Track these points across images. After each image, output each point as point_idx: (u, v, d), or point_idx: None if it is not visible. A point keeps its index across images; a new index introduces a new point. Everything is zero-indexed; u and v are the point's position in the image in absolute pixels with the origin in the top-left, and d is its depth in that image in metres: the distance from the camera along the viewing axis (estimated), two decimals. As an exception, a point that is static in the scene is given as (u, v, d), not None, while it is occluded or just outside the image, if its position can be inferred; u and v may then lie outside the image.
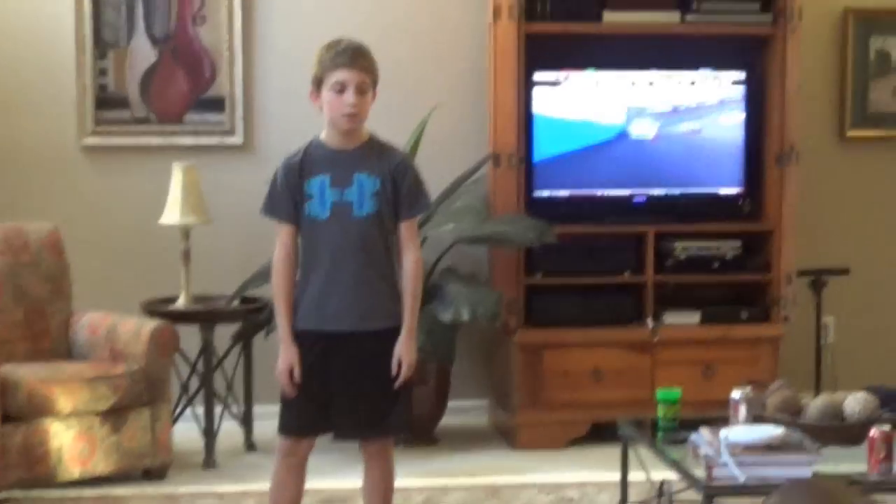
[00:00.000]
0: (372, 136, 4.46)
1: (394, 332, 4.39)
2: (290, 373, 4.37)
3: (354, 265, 4.33)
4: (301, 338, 4.41)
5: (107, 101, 6.76)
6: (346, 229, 4.33)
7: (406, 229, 4.41)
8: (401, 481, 5.70)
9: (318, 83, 4.38)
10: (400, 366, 4.36)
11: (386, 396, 4.39)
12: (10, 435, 5.39)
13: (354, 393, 4.38)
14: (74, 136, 6.75)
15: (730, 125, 6.57)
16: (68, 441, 5.53)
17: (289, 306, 4.40)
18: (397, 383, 4.37)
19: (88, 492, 5.62)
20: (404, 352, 4.38)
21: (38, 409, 5.46)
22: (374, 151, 4.42)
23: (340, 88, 4.33)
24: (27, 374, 5.56)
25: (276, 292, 4.44)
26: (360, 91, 4.36)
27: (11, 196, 6.69)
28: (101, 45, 6.73)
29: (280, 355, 4.43)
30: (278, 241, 4.43)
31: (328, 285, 4.35)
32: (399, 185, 4.36)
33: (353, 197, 4.32)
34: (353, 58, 4.35)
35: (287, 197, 4.38)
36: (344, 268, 4.33)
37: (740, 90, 6.55)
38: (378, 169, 4.36)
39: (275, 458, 4.50)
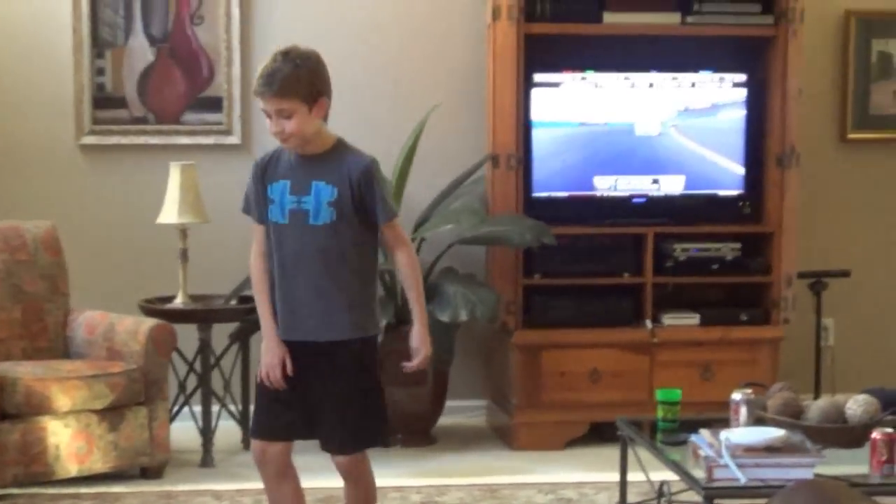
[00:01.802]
0: (338, 141, 4.35)
1: (353, 344, 4.28)
2: (283, 367, 4.30)
3: (311, 274, 4.23)
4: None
5: (104, 101, 6.75)
6: (303, 237, 4.24)
7: (388, 233, 4.32)
8: (399, 481, 5.74)
9: None
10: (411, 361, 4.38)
11: (346, 413, 4.28)
12: (7, 432, 5.38)
13: (317, 407, 4.29)
14: (72, 135, 6.73)
15: (730, 127, 6.55)
16: (66, 439, 5.52)
17: (268, 302, 4.32)
18: (409, 367, 4.38)
19: (86, 489, 5.61)
20: (420, 342, 4.37)
21: (36, 407, 5.44)
22: (336, 159, 4.30)
23: (267, 115, 4.24)
24: (25, 372, 5.55)
25: (255, 289, 4.39)
26: (282, 117, 4.20)
27: (9, 194, 6.67)
28: (99, 45, 6.72)
29: (265, 352, 4.30)
30: (254, 239, 4.41)
31: (287, 292, 4.27)
32: (365, 193, 4.24)
33: (310, 206, 4.22)
34: (265, 86, 4.17)
35: (256, 197, 4.35)
36: (301, 276, 4.25)
37: (741, 92, 6.54)
38: (337, 177, 4.24)
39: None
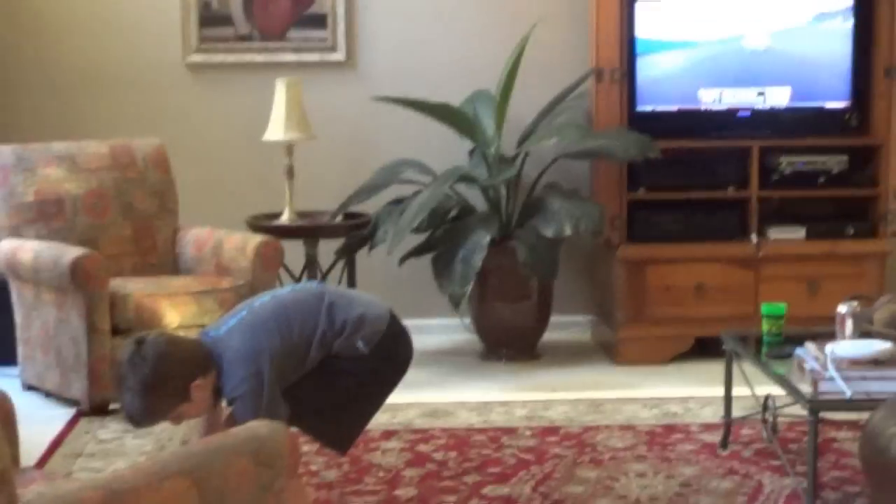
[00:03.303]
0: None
1: None
2: None
3: None
4: None
5: (210, 19, 6.80)
6: None
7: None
8: (503, 395, 5.79)
9: None
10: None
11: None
12: (119, 347, 5.46)
13: None
14: (179, 53, 6.80)
15: (837, 37, 6.45)
16: (176, 354, 5.61)
17: None
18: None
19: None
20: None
21: (147, 323, 5.53)
22: None
23: None
24: (135, 287, 5.65)
25: None
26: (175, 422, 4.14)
27: (118, 113, 6.77)
28: (205, -37, 6.76)
29: None
30: None
31: None
32: None
33: None
34: (128, 422, 4.05)
35: None
36: None
37: (848, 1, 6.43)
38: None
39: None
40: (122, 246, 6.04)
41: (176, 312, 5.60)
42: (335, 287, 4.72)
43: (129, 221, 6.09)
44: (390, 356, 4.35)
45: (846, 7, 6.43)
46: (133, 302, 5.56)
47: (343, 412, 4.35)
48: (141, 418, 3.99)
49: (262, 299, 4.28)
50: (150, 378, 3.90)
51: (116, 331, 5.52)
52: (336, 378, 4.27)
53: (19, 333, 5.92)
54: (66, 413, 5.60)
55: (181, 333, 5.55)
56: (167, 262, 6.14)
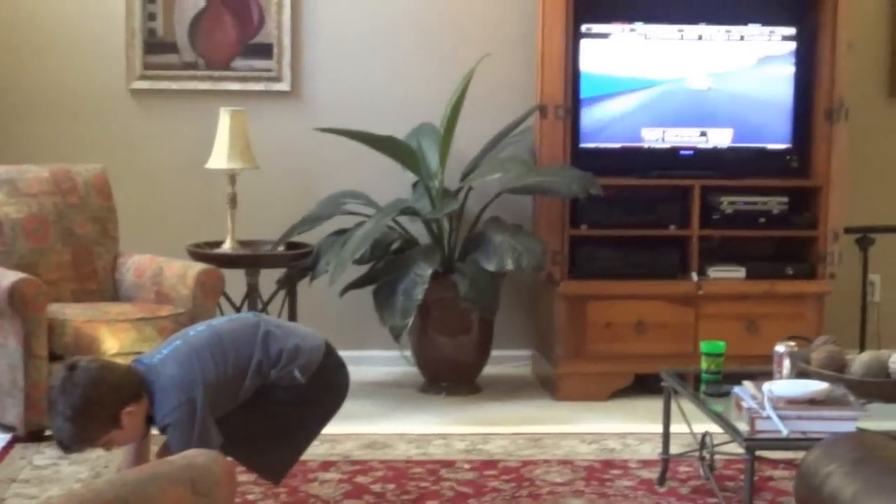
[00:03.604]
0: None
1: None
2: None
3: None
4: None
5: (155, 46, 6.78)
6: None
7: None
8: (443, 428, 5.78)
9: None
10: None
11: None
12: (57, 373, 5.42)
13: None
14: (123, 79, 6.77)
15: (779, 80, 6.52)
16: (114, 381, 5.57)
17: None
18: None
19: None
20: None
21: (85, 349, 5.49)
22: None
23: None
24: (74, 313, 5.61)
25: None
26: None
27: (61, 138, 6.73)
28: (151, -10, 6.75)
29: None
30: None
31: None
32: None
33: None
34: (63, 450, 4.08)
35: None
36: None
37: (790, 45, 6.50)
38: None
39: None
40: (62, 271, 6.00)
41: (115, 339, 5.56)
42: (271, 318, 4.71)
43: (69, 247, 6.05)
44: (326, 386, 4.36)
45: (788, 52, 6.50)
46: (71, 328, 5.52)
47: (277, 442, 4.34)
48: (71, 443, 3.98)
49: (198, 328, 4.28)
50: (81, 404, 3.90)
51: (54, 356, 5.48)
52: (272, 407, 4.27)
53: (-45, 358, 5.86)
54: (0, 439, 5.54)
55: (119, 360, 5.52)
56: (107, 288, 6.10)
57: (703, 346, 4.89)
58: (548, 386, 6.56)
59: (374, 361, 6.75)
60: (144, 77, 6.78)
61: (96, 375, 3.95)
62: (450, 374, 6.45)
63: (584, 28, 6.37)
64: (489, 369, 6.63)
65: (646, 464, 5.29)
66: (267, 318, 4.50)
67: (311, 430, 4.43)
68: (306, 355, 4.25)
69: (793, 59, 6.51)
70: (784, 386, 4.43)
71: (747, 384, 4.49)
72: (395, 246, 6.50)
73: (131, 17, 6.72)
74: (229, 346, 4.17)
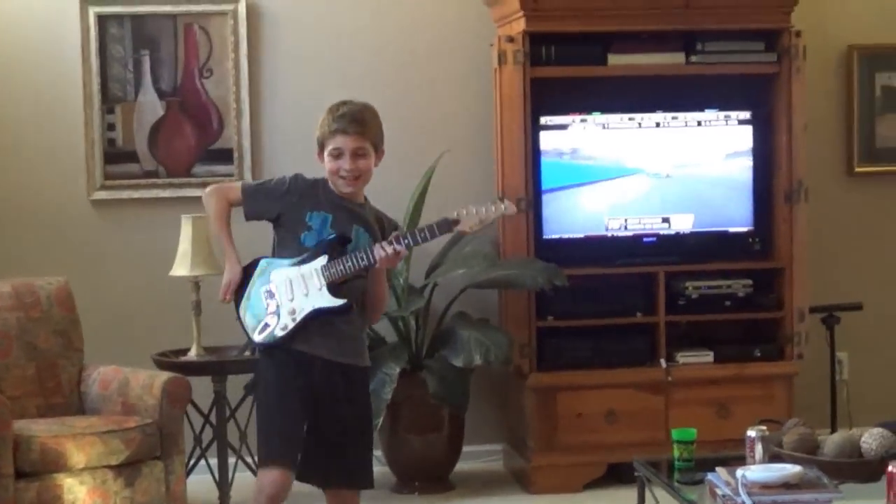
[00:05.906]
0: (367, 199, 4.64)
1: (362, 374, 4.57)
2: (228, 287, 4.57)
3: None
4: (286, 353, 4.52)
5: (115, 156, 6.79)
6: None
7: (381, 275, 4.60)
8: (417, 528, 5.72)
9: (320, 146, 4.54)
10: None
11: (357, 447, 4.52)
12: (23, 491, 5.37)
13: (328, 435, 4.46)
14: (84, 190, 6.76)
15: (737, 164, 6.57)
16: (82, 496, 5.50)
17: (229, 232, 4.63)
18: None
19: (104, 546, 5.60)
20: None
21: (52, 465, 5.43)
22: (371, 212, 4.63)
23: (338, 154, 4.49)
24: (40, 429, 5.55)
25: (216, 219, 4.70)
26: (358, 156, 4.50)
27: (22, 251, 6.70)
28: (109, 100, 6.76)
29: (227, 272, 4.66)
30: (229, 191, 4.70)
31: None
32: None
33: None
34: (349, 124, 4.47)
35: (285, 200, 4.55)
36: None
37: (747, 129, 6.56)
38: (374, 229, 4.56)
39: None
40: (26, 387, 5.94)
41: (82, 454, 5.50)
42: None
43: (33, 361, 5.99)
44: None
45: (745, 136, 6.55)
46: (37, 444, 5.45)
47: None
48: (367, 121, 4.54)
49: None
50: (375, 111, 4.66)
51: (20, 474, 5.40)
52: None
53: (-79, 478, 5.78)
54: (-31, 560, 5.47)
55: (87, 475, 5.47)
56: (72, 401, 6.04)
57: (674, 434, 4.86)
58: (521, 480, 6.52)
59: (345, 463, 6.70)
60: (105, 187, 6.77)
61: None
62: (422, 473, 6.41)
63: (542, 120, 6.41)
64: (461, 465, 6.59)
65: (623, 555, 5.25)
66: None
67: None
68: None
69: (750, 143, 6.56)
70: (757, 471, 4.40)
71: (720, 470, 4.47)
72: (362, 345, 6.47)
73: (90, 127, 6.73)
74: None
